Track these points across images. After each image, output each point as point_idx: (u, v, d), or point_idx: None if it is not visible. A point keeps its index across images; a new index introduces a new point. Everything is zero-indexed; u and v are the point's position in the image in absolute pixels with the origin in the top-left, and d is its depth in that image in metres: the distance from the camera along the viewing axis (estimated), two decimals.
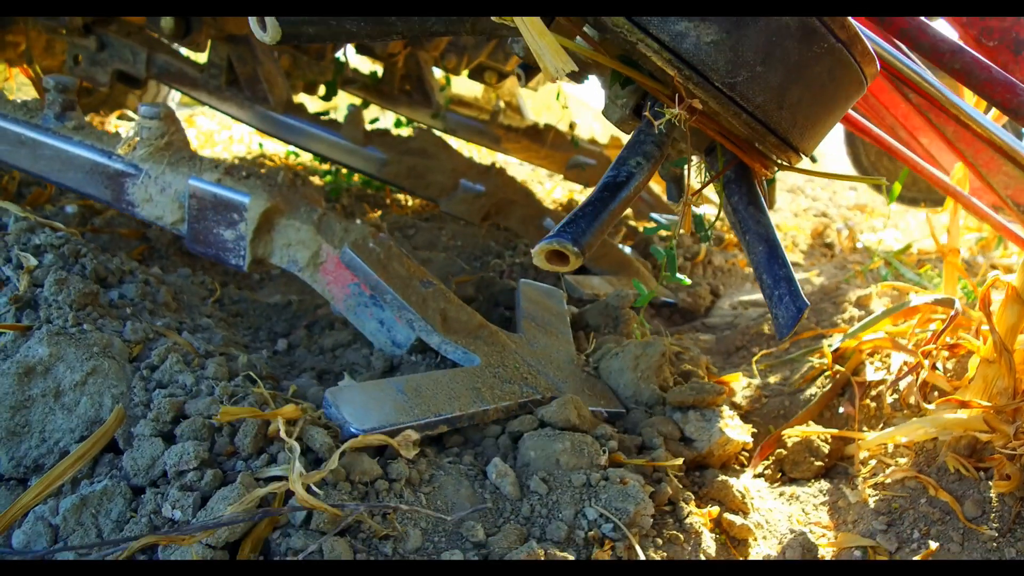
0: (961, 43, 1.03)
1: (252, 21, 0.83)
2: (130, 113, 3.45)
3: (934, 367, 1.52)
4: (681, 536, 1.14)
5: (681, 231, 1.06)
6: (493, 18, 0.87)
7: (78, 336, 1.16)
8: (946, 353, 1.54)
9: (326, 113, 2.81)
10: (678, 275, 1.40)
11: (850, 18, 0.90)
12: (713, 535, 1.20)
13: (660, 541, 1.10)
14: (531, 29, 0.85)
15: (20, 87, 3.48)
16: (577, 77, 1.01)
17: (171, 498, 0.97)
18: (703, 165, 1.08)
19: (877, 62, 0.95)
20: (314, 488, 0.97)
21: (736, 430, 1.40)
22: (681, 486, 1.23)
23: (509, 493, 1.07)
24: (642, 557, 1.03)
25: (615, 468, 1.16)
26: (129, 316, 1.33)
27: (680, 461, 1.24)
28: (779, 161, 0.99)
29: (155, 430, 1.06)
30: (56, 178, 1.57)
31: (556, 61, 0.83)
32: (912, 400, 1.46)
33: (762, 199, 1.02)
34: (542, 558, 0.99)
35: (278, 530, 0.97)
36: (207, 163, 1.51)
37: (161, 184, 1.51)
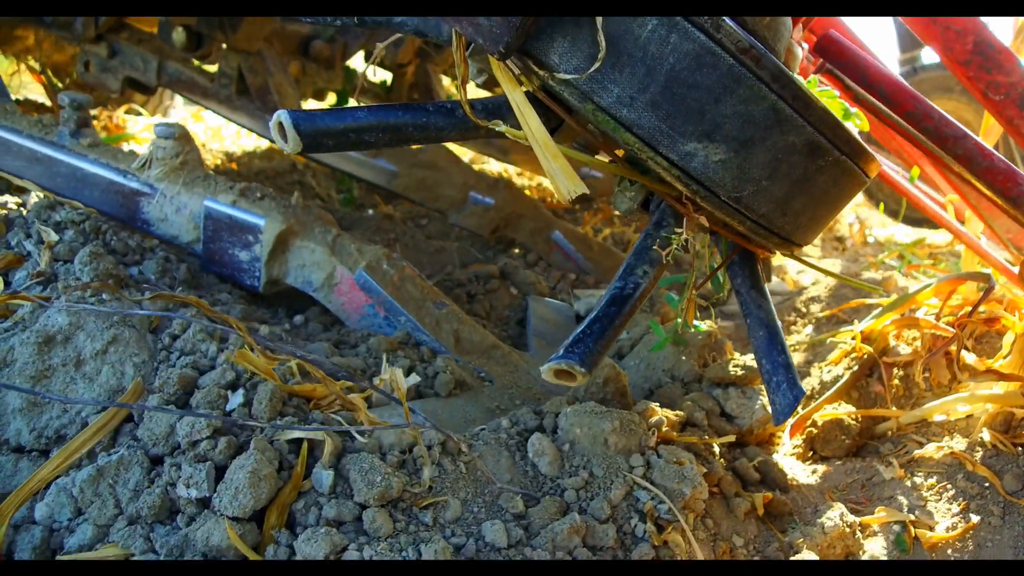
0: (965, 128, 1.05)
1: (274, 132, 0.83)
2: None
3: (964, 345, 1.49)
4: (728, 517, 1.10)
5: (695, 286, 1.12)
6: (508, 135, 0.90)
7: (97, 305, 1.13)
8: (979, 329, 1.52)
9: None
10: (695, 322, 1.39)
11: (855, 132, 0.93)
12: (754, 514, 1.17)
13: (710, 523, 1.07)
14: (545, 151, 0.87)
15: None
16: (589, 152, 1.03)
17: (184, 474, 0.94)
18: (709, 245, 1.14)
19: (879, 162, 0.98)
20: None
21: None
22: (727, 465, 1.20)
23: (547, 472, 1.04)
24: (693, 541, 1.00)
25: (666, 445, 1.12)
26: (149, 290, 1.31)
27: (732, 438, 1.21)
28: (781, 250, 1.03)
29: (163, 401, 1.03)
30: (71, 195, 1.57)
31: (568, 184, 0.86)
32: (947, 377, 1.44)
33: (764, 283, 1.06)
34: (584, 531, 0.96)
35: (303, 498, 0.94)
36: (222, 184, 1.51)
37: (176, 204, 1.51)
